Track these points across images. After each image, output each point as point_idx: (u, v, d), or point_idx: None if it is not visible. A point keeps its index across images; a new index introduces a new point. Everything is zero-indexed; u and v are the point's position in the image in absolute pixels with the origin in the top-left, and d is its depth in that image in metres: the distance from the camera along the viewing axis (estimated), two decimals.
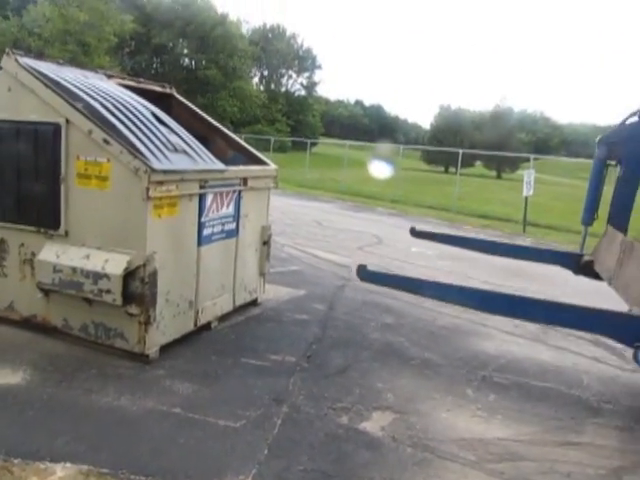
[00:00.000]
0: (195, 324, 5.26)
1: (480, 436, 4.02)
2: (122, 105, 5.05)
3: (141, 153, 4.45)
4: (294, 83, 62.74)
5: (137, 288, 4.45)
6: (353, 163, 29.78)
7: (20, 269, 5.10)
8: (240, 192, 5.75)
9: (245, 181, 5.80)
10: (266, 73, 61.86)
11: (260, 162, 6.44)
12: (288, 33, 61.05)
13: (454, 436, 3.98)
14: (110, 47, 37.06)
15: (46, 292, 4.87)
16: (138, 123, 4.90)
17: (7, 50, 4.91)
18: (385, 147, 35.04)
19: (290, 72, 61.56)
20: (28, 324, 5.12)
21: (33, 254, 4.93)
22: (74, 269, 4.56)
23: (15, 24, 35.20)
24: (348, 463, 3.53)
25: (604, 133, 5.72)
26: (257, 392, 4.37)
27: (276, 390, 4.43)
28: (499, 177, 49.15)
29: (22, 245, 5.04)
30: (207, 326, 5.49)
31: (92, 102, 4.78)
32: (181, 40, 50.86)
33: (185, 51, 52.24)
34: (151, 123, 5.11)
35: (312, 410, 4.15)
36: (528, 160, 21.51)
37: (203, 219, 5.16)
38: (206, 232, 5.23)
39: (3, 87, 4.93)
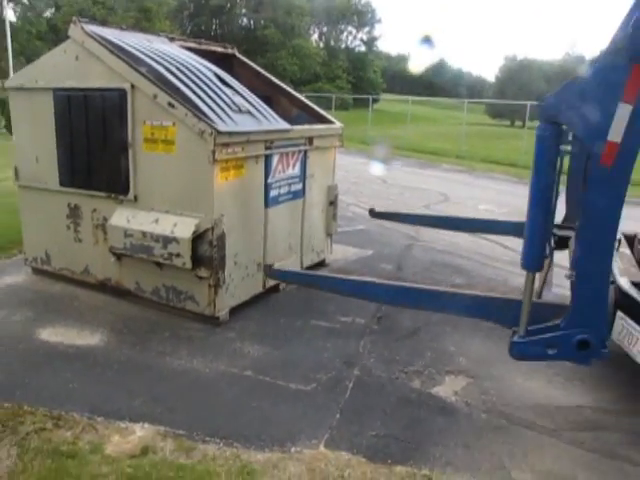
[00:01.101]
0: (264, 286, 5.27)
1: (557, 403, 3.85)
2: (185, 68, 5.00)
3: (206, 115, 4.39)
4: (354, 39, 61.30)
5: (206, 251, 4.46)
6: (416, 119, 29.02)
7: (93, 234, 5.22)
8: (306, 152, 5.64)
9: (310, 140, 5.67)
10: (325, 30, 60.63)
11: (325, 120, 6.28)
12: None
13: (530, 402, 3.83)
14: (170, 11, 37.24)
15: (118, 256, 4.97)
16: (202, 85, 4.84)
17: (73, 19, 4.92)
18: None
19: (349, 27, 60.06)
20: (103, 287, 5.28)
21: (105, 219, 5.03)
22: (144, 233, 4.62)
23: None
24: (421, 429, 3.46)
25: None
26: (327, 355, 4.35)
27: (346, 353, 4.40)
28: None
29: (94, 210, 5.14)
30: (275, 288, 5.49)
31: (156, 66, 4.75)
32: (238, 0, 50.44)
33: (243, 11, 51.85)
34: (215, 84, 5.04)
35: (383, 374, 4.10)
36: None
37: (269, 180, 5.10)
38: (273, 193, 5.17)
39: (71, 55, 4.96)
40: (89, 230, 5.25)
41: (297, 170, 5.55)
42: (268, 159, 5.05)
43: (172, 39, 6.11)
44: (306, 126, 5.75)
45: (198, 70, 5.14)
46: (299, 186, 5.63)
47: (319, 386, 3.88)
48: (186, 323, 4.73)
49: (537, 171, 3.07)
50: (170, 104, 4.43)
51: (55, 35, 34.49)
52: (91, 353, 4.19)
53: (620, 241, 4.62)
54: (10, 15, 32.98)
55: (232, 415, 3.48)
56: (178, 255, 4.46)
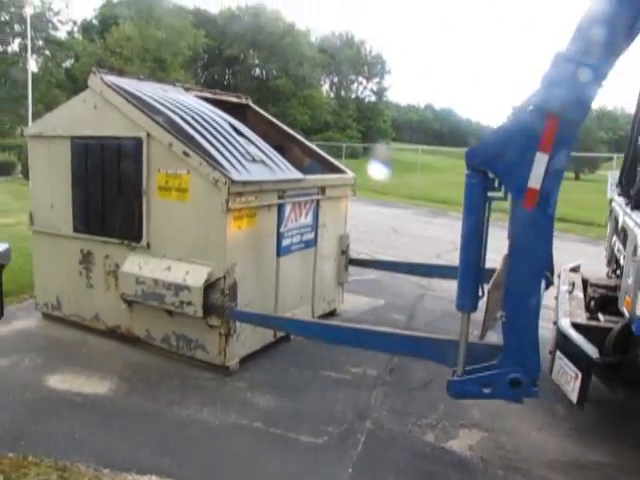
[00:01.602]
0: (274, 335, 5.22)
1: (575, 459, 3.73)
2: (200, 117, 5.10)
3: (220, 164, 4.45)
4: (364, 89, 62.61)
5: (217, 300, 4.45)
6: (425, 168, 29.24)
7: (105, 280, 5.23)
8: (318, 201, 5.67)
9: (323, 190, 5.72)
10: (336, 80, 62.02)
11: (337, 170, 6.35)
12: (356, 39, 61.00)
13: (547, 458, 3.72)
14: (185, 61, 38.40)
15: (129, 303, 4.96)
16: (216, 134, 4.93)
17: (93, 69, 5.07)
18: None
19: (360, 78, 61.41)
20: (113, 334, 5.25)
21: (117, 266, 5.05)
22: (156, 281, 4.62)
23: (100, 46, 37.25)
24: None
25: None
26: (338, 407, 4.26)
27: (358, 405, 4.31)
28: (577, 178, 46.92)
29: (107, 257, 5.17)
30: (286, 337, 5.43)
31: (172, 115, 4.85)
32: (251, 51, 51.92)
33: (256, 61, 53.28)
34: (229, 134, 5.13)
35: (396, 427, 4.00)
36: (610, 160, 20.24)
37: (282, 229, 5.12)
38: (285, 242, 5.18)
39: (90, 105, 5.09)
40: (101, 276, 5.26)
41: (309, 219, 5.57)
42: (281, 208, 5.08)
43: (187, 89, 6.26)
44: (319, 176, 5.81)
45: (213, 120, 5.24)
46: (311, 235, 5.64)
47: (331, 439, 3.78)
48: (196, 372, 4.67)
49: (466, 216, 3.25)
50: (185, 153, 4.50)
51: (73, 84, 35.71)
52: (99, 401, 4.13)
53: (574, 285, 4.67)
54: (32, 65, 34.22)
55: (242, 469, 3.39)
56: (189, 303, 4.44)
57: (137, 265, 4.81)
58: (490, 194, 3.33)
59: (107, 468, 3.28)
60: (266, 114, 7.06)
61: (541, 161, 3.04)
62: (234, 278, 4.48)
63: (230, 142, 4.98)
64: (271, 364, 4.98)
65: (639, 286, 3.07)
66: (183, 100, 5.46)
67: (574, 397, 3.41)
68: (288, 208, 5.19)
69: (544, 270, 3.23)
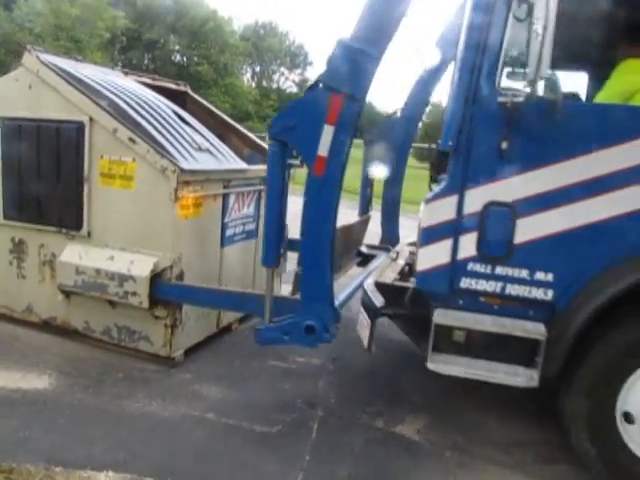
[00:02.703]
0: (217, 326, 5.18)
1: (514, 440, 3.97)
2: (145, 103, 4.96)
3: (168, 152, 4.36)
4: (286, 80, 62.58)
5: None
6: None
7: (40, 271, 4.98)
8: (260, 192, 5.66)
9: (265, 180, 5.70)
10: (258, 69, 61.56)
11: None
12: (280, 30, 60.78)
13: (489, 439, 3.94)
14: (102, 43, 36.68)
15: (67, 294, 4.76)
16: (162, 122, 4.81)
17: (28, 47, 4.79)
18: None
19: (282, 69, 61.33)
20: (47, 327, 5.01)
21: (54, 255, 4.82)
22: (98, 271, 4.46)
23: (4, 18, 34.72)
24: (390, 468, 3.49)
25: None
26: (287, 396, 4.30)
27: (306, 393, 4.37)
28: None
29: (42, 246, 4.92)
30: (228, 328, 5.41)
31: (116, 100, 4.69)
32: (172, 36, 50.37)
33: (177, 47, 51.81)
34: (174, 122, 5.02)
35: (346, 414, 4.10)
36: None
37: (226, 219, 5.07)
38: (229, 233, 5.14)
39: (24, 84, 4.81)
40: (35, 266, 5.00)
41: (252, 210, 5.55)
42: (225, 198, 5.03)
43: (126, 73, 6.04)
44: (261, 166, 5.79)
45: (157, 106, 5.10)
46: (253, 226, 5.62)
47: (284, 428, 3.82)
48: (139, 364, 4.55)
49: (270, 183, 3.74)
50: (131, 139, 4.36)
51: None
52: (40, 398, 3.94)
53: (399, 253, 5.13)
54: None
55: (200, 460, 3.37)
56: (135, 294, 4.33)
57: (77, 254, 4.62)
58: (289, 161, 3.72)
59: (59, 466, 3.14)
60: (205, 102, 6.93)
61: (328, 132, 3.50)
62: (181, 268, 4.42)
63: (176, 130, 4.88)
64: (215, 356, 4.94)
65: (419, 248, 3.55)
66: (125, 85, 5.27)
67: (365, 343, 3.78)
68: (232, 198, 5.14)
69: (332, 231, 3.65)
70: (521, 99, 3.11)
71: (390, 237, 6.38)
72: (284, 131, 3.60)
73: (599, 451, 3.30)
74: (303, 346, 3.97)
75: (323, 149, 3.51)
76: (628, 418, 3.27)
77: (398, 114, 5.97)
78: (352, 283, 4.93)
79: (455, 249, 3.41)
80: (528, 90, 3.06)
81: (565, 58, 4.12)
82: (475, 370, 3.39)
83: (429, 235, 3.46)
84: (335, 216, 3.66)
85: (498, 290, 3.39)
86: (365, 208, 6.44)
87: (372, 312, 3.77)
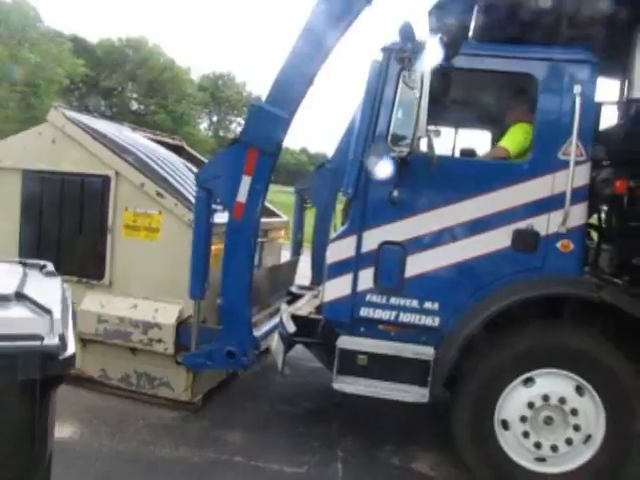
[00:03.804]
0: (227, 372, 5.34)
1: None
2: (164, 159, 5.24)
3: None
4: None
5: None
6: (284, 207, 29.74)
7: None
8: (262, 243, 5.93)
9: (266, 233, 6.00)
10: (215, 119, 62.36)
11: (273, 213, 6.67)
12: (238, 80, 62.05)
13: None
14: (61, 89, 36.62)
15: (83, 343, 4.85)
16: (182, 176, 5.09)
17: (54, 105, 5.01)
18: None
19: (239, 119, 62.23)
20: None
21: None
22: (121, 319, 4.61)
23: None
24: None
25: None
26: (305, 438, 4.48)
27: (322, 435, 4.56)
28: None
29: None
30: (234, 374, 5.57)
31: (140, 155, 4.94)
32: (130, 83, 50.81)
33: (134, 95, 52.15)
34: (187, 175, 5.29)
35: (364, 453, 4.32)
36: None
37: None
38: None
39: (47, 139, 5.00)
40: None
41: (257, 260, 5.80)
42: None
43: (134, 129, 6.30)
44: (265, 219, 6.08)
45: (171, 161, 5.38)
46: None
47: (311, 468, 4.02)
48: (155, 411, 4.65)
49: (196, 224, 4.24)
50: (159, 193, 4.60)
51: None
52: (68, 446, 3.96)
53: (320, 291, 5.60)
54: None
55: None
56: (160, 341, 4.49)
57: (98, 303, 4.75)
58: (214, 206, 4.26)
59: None
60: (199, 156, 7.24)
61: (246, 182, 4.04)
62: (204, 314, 4.61)
63: (191, 184, 5.14)
64: (227, 401, 5.07)
65: (325, 281, 4.07)
66: (140, 140, 5.54)
67: (280, 366, 4.32)
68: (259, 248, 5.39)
69: (250, 267, 4.25)
70: (405, 154, 3.66)
71: (320, 278, 6.66)
72: (209, 180, 4.15)
73: (480, 454, 3.77)
74: (224, 369, 4.61)
75: (242, 196, 4.04)
76: (505, 425, 3.72)
77: (326, 165, 6.37)
78: (276, 319, 5.27)
79: (355, 282, 3.93)
80: (410, 147, 3.61)
81: (469, 119, 5.21)
82: (375, 389, 3.87)
83: (333, 270, 3.99)
84: (252, 254, 4.23)
85: (393, 318, 3.91)
86: (296, 251, 6.77)
87: (285, 339, 4.30)
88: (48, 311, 2.28)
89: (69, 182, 4.90)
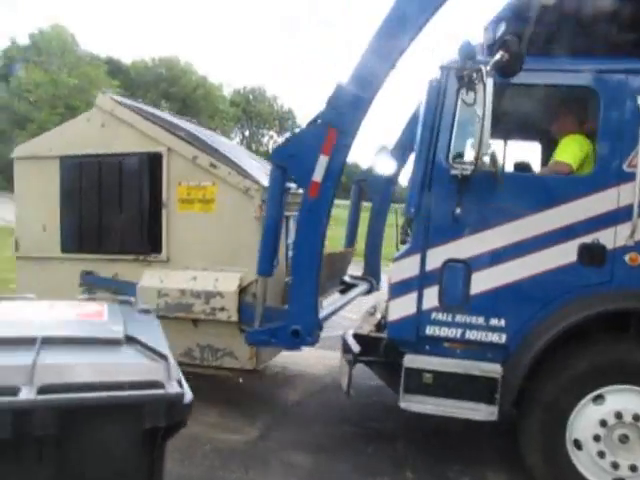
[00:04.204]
0: None
1: None
2: (212, 135, 5.26)
3: (248, 173, 4.62)
4: (275, 143, 64.11)
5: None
6: (336, 222, 29.33)
7: (113, 300, 5.09)
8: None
9: None
10: (247, 133, 63.11)
11: None
12: (269, 94, 62.70)
13: None
14: None
15: None
16: (232, 150, 5.10)
17: (102, 90, 5.09)
18: None
19: (271, 132, 62.91)
20: None
21: None
22: (182, 291, 4.62)
23: (2, 89, 36.21)
24: None
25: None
26: (374, 460, 4.33)
27: (390, 456, 4.40)
28: None
29: (116, 275, 5.07)
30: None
31: (191, 130, 4.97)
32: (164, 102, 51.89)
33: (168, 112, 53.24)
34: (238, 150, 5.31)
35: (433, 473, 4.16)
36: None
37: (289, 240, 5.26)
38: (289, 254, 5.31)
39: (95, 123, 5.10)
40: (106, 296, 5.12)
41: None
42: (287, 220, 5.25)
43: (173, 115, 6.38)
44: None
45: (218, 138, 5.40)
46: None
47: None
48: (220, 434, 4.56)
49: (270, 202, 4.24)
50: (212, 164, 4.63)
51: None
52: None
53: (376, 308, 5.50)
54: None
55: None
56: (222, 309, 4.48)
57: (157, 279, 4.78)
58: (288, 185, 4.27)
59: None
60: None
61: (323, 161, 3.97)
62: (266, 281, 4.57)
63: (242, 157, 5.16)
64: (293, 424, 4.94)
65: (389, 301, 4.03)
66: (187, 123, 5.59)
67: (344, 387, 4.27)
68: (292, 221, 5.36)
69: (321, 247, 4.13)
70: (468, 172, 3.61)
71: (372, 270, 6.69)
72: (285, 158, 4.11)
73: (554, 475, 3.62)
74: (288, 348, 4.46)
75: (318, 175, 3.97)
76: (578, 445, 3.58)
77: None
78: (335, 304, 5.35)
79: (420, 301, 3.87)
80: (473, 164, 3.55)
81: (520, 131, 5.24)
82: (442, 407, 3.79)
83: (397, 289, 3.95)
84: (324, 233, 4.12)
85: (459, 335, 3.83)
86: (350, 241, 6.74)
87: (350, 359, 4.26)
88: (163, 356, 2.34)
89: (118, 163, 4.96)
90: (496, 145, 5.04)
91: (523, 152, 5.78)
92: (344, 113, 3.97)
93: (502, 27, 3.99)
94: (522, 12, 3.77)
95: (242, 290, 4.52)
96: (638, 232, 3.60)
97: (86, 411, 2.15)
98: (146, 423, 2.16)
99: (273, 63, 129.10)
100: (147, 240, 4.92)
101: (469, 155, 3.74)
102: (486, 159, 3.54)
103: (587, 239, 3.66)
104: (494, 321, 3.78)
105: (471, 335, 3.81)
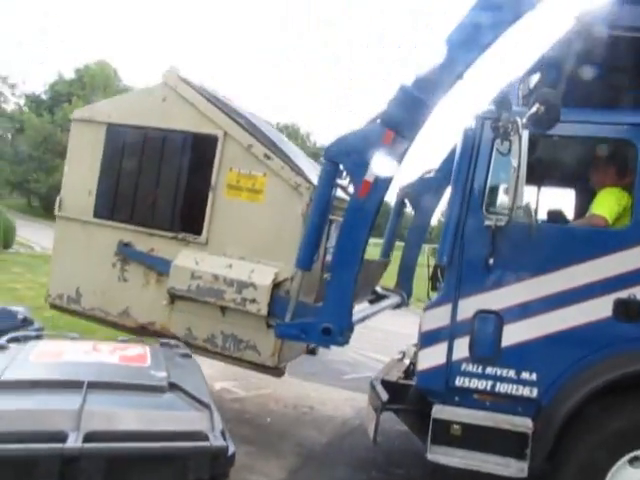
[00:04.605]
0: (307, 348, 5.27)
1: None
2: (271, 127, 5.24)
3: (301, 169, 4.58)
4: None
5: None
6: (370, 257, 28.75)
7: (144, 274, 5.09)
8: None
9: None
10: None
11: None
12: (302, 131, 62.83)
13: None
14: None
15: (172, 299, 4.85)
16: (288, 145, 5.08)
17: (170, 66, 5.10)
18: None
19: None
20: (144, 331, 5.07)
21: None
22: (216, 276, 4.58)
23: (48, 120, 39.89)
24: None
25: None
26: None
27: None
28: None
29: (152, 250, 5.06)
30: (313, 351, 5.51)
31: (251, 119, 4.96)
32: None
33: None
34: (292, 147, 5.28)
35: None
36: None
37: (328, 245, 5.21)
38: (328, 258, 5.26)
39: (157, 97, 5.09)
40: (140, 270, 5.11)
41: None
42: (330, 223, 5.19)
43: None
44: None
45: (277, 134, 5.38)
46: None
47: None
48: (249, 475, 4.39)
49: (318, 197, 4.16)
50: (266, 155, 4.60)
51: (16, 156, 40.62)
52: None
53: (405, 354, 5.40)
54: None
55: None
56: (253, 301, 4.43)
57: (193, 260, 4.75)
58: (337, 181, 4.19)
59: None
60: None
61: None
62: (300, 280, 4.51)
63: (296, 154, 5.13)
64: (320, 465, 4.89)
65: (419, 350, 3.97)
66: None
67: (371, 435, 4.16)
68: (333, 226, 5.31)
69: (363, 247, 4.04)
70: (502, 223, 3.58)
71: (404, 283, 6.59)
72: (339, 155, 4.03)
73: None
74: (318, 345, 4.45)
75: (370, 175, 3.90)
76: None
77: (433, 174, 6.18)
78: (364, 311, 5.28)
79: (450, 351, 3.81)
80: (508, 215, 3.52)
81: (555, 179, 5.25)
82: (470, 461, 3.66)
83: (428, 338, 3.91)
84: (368, 235, 4.05)
85: (489, 388, 3.76)
86: (386, 253, 6.67)
87: (378, 406, 4.16)
88: (206, 405, 2.37)
89: (173, 139, 4.95)
90: (530, 191, 5.13)
91: (557, 198, 5.77)
92: (403, 116, 3.88)
93: (537, 77, 4.03)
94: (557, 63, 3.78)
95: (276, 285, 4.47)
96: None
97: (132, 460, 2.17)
98: (190, 475, 2.17)
99: (306, 100, 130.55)
100: (190, 220, 4.90)
101: (503, 205, 3.72)
102: (520, 211, 3.52)
103: (623, 294, 3.58)
104: (525, 374, 3.70)
105: (502, 388, 3.73)
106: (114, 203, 5.24)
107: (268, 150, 4.61)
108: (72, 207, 5.48)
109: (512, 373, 3.72)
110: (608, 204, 3.88)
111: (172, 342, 3.35)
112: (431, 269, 4.90)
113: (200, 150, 4.86)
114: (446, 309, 3.83)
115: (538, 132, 3.45)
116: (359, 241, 4.03)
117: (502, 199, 3.90)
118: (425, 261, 5.51)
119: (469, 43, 3.81)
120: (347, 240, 4.07)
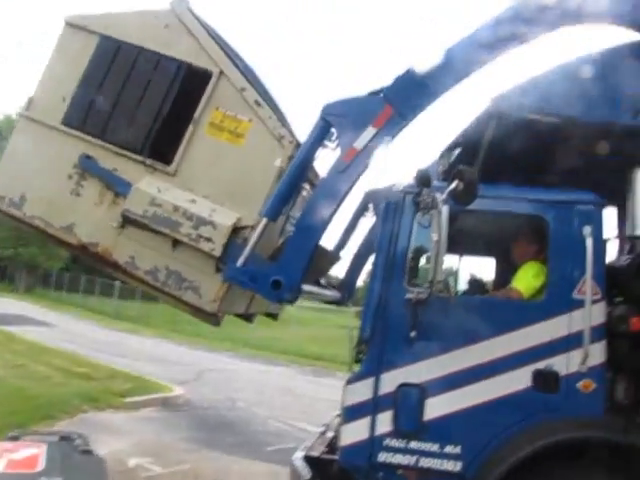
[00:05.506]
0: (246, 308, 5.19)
1: None
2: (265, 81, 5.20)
3: (287, 123, 4.55)
4: None
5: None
6: (300, 321, 28.98)
7: (100, 193, 4.87)
8: None
9: None
10: None
11: None
12: None
13: None
14: None
15: (124, 223, 4.66)
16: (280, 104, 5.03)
17: None
18: None
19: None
20: (84, 251, 4.86)
21: None
22: (176, 207, 4.43)
23: None
24: None
25: None
26: None
27: None
28: None
29: (115, 170, 4.85)
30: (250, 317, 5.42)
31: (250, 66, 4.89)
32: None
33: None
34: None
35: None
36: None
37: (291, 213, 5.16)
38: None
39: (161, 22, 4.94)
40: (96, 187, 4.88)
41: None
42: (298, 193, 5.14)
43: None
44: None
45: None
46: None
47: None
48: None
49: (304, 149, 4.13)
50: (257, 102, 4.52)
51: None
52: None
53: (328, 426, 5.31)
54: None
55: None
56: (209, 240, 4.29)
57: (156, 188, 4.58)
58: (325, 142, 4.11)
59: None
60: None
61: (369, 132, 3.91)
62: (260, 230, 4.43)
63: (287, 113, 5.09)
64: None
65: (341, 425, 3.93)
66: None
67: None
68: (300, 198, 5.24)
69: (334, 211, 4.05)
70: (424, 296, 3.61)
71: (348, 284, 6.29)
72: (334, 115, 4.00)
73: None
74: (265, 296, 4.24)
75: (359, 144, 3.90)
76: None
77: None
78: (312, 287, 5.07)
79: (373, 426, 3.76)
80: (429, 288, 3.57)
81: (477, 249, 5.39)
82: None
83: (350, 413, 3.86)
84: (341, 202, 4.03)
85: (413, 463, 3.71)
86: (338, 251, 6.33)
87: None
88: None
89: (165, 65, 4.80)
90: (452, 260, 5.30)
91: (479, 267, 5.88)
92: (406, 95, 3.92)
93: (456, 154, 4.18)
94: (475, 140, 3.92)
95: (235, 230, 4.35)
96: (589, 359, 3.61)
97: None
98: None
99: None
100: (162, 147, 4.74)
101: (424, 279, 3.73)
102: (440, 285, 3.57)
103: (540, 365, 3.66)
104: (449, 448, 3.66)
105: (425, 463, 3.68)
106: (87, 115, 5.01)
107: (260, 97, 4.55)
108: (41, 110, 5.19)
109: (436, 447, 3.68)
110: (525, 278, 4.01)
111: (74, 435, 3.04)
112: (355, 337, 4.64)
113: (191, 82, 4.73)
114: (368, 383, 3.80)
115: (457, 207, 3.53)
116: (332, 202, 3.99)
117: (422, 272, 3.97)
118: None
119: (483, 44, 3.87)
120: (321, 199, 4.03)
